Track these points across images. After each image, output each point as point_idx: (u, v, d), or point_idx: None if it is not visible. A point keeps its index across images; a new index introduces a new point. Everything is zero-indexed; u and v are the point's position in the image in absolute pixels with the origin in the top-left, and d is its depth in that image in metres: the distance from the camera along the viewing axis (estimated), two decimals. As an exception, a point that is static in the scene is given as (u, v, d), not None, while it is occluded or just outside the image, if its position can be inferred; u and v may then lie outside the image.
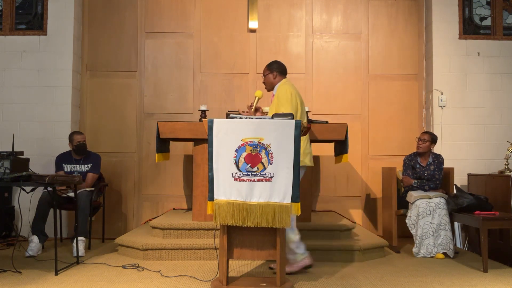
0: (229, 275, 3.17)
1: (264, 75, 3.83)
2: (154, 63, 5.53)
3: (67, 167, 4.67)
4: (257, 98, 3.68)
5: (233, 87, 5.50)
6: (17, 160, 3.68)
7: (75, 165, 4.68)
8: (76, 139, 4.63)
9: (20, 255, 4.14)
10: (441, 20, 5.32)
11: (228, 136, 3.03)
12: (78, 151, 4.65)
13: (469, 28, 5.39)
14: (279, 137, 3.02)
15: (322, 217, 4.79)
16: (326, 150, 5.31)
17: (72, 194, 4.31)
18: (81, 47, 5.48)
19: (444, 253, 4.24)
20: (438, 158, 4.65)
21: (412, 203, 4.39)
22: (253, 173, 3.01)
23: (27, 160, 3.90)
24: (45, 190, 4.00)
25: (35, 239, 4.19)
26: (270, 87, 3.81)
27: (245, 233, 3.10)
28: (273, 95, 3.73)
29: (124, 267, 3.76)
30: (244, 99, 5.44)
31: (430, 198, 4.33)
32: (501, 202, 4.33)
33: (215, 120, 3.07)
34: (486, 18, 5.42)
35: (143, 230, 4.69)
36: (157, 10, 5.54)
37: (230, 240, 3.11)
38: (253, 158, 3.02)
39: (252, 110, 3.66)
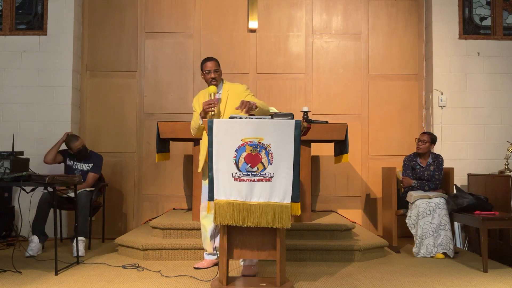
0: (229, 275, 3.17)
1: (217, 70, 3.68)
2: (154, 63, 5.53)
3: (70, 162, 4.67)
4: (213, 93, 3.58)
5: (233, 87, 5.50)
6: (17, 160, 3.69)
7: (77, 163, 4.68)
8: (75, 147, 4.56)
9: (20, 255, 4.14)
10: (441, 20, 5.33)
11: (228, 136, 3.03)
12: (80, 155, 4.64)
13: (469, 28, 5.39)
14: (279, 137, 3.02)
15: (322, 217, 4.79)
16: (326, 150, 5.31)
17: (72, 194, 4.31)
18: (81, 47, 5.48)
19: (444, 253, 4.24)
20: (438, 159, 4.65)
21: (412, 203, 4.39)
22: (253, 173, 3.01)
23: (27, 160, 3.90)
24: (45, 190, 4.00)
25: (35, 239, 4.19)
26: (219, 82, 3.71)
27: (245, 233, 3.10)
28: (214, 93, 3.57)
29: (124, 267, 3.76)
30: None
31: (430, 198, 4.33)
32: (501, 202, 4.33)
33: (215, 120, 3.07)
34: (486, 18, 5.42)
35: (143, 230, 4.69)
36: (157, 10, 5.54)
37: (230, 240, 3.11)
38: (253, 158, 3.02)
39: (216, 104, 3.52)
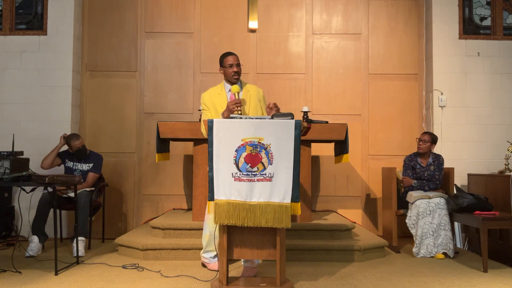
0: (229, 275, 3.17)
1: (239, 65, 3.61)
2: (154, 63, 5.53)
3: (69, 163, 4.67)
4: (237, 93, 3.48)
5: (233, 87, 5.50)
6: (17, 160, 3.69)
7: (77, 164, 4.68)
8: (75, 146, 4.57)
9: (20, 255, 4.14)
10: (441, 20, 5.33)
11: (228, 136, 3.03)
12: (79, 155, 4.64)
13: (469, 28, 5.39)
14: (279, 137, 3.02)
15: (322, 217, 4.79)
16: (326, 150, 5.31)
17: (72, 194, 4.31)
18: (81, 47, 5.48)
19: (444, 253, 4.24)
20: (438, 159, 4.65)
21: (412, 203, 4.39)
22: (253, 173, 3.01)
23: (27, 160, 3.90)
24: (45, 190, 4.00)
25: (35, 239, 4.19)
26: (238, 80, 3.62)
27: (245, 233, 3.10)
28: (238, 93, 3.48)
29: (124, 267, 3.76)
30: (244, 99, 5.44)
31: (430, 198, 4.33)
32: (501, 202, 4.33)
33: (215, 120, 3.07)
34: (486, 18, 5.42)
35: (143, 230, 4.69)
36: (157, 10, 5.54)
37: (230, 240, 3.11)
38: (253, 158, 3.01)
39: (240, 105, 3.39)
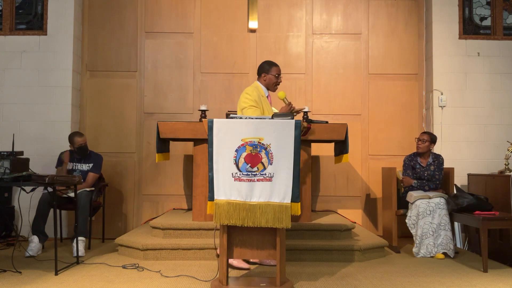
0: (229, 275, 3.18)
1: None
2: (154, 63, 5.53)
3: (69, 165, 4.67)
4: (286, 98, 3.81)
5: (233, 87, 5.50)
6: (17, 160, 3.68)
7: (76, 164, 4.68)
8: (77, 142, 4.59)
9: (20, 255, 4.14)
10: (441, 20, 5.33)
11: (228, 136, 3.03)
12: (80, 153, 4.64)
13: (469, 28, 5.39)
14: (279, 137, 3.02)
15: (322, 217, 4.79)
16: (326, 150, 5.31)
17: (72, 194, 4.31)
18: (81, 47, 5.48)
19: (444, 253, 4.24)
20: (438, 159, 4.65)
21: (412, 203, 4.39)
22: (253, 173, 3.01)
23: (27, 160, 3.89)
24: (45, 190, 4.00)
25: (35, 239, 4.19)
26: None
27: (245, 233, 3.10)
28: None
29: (124, 267, 3.76)
30: (244, 99, 5.44)
31: (430, 198, 4.33)
32: (501, 202, 4.33)
33: (215, 120, 3.07)
34: (486, 18, 5.42)
35: (143, 230, 4.69)
36: (157, 10, 5.54)
37: (230, 240, 3.11)
38: (253, 158, 3.02)
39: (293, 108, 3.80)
